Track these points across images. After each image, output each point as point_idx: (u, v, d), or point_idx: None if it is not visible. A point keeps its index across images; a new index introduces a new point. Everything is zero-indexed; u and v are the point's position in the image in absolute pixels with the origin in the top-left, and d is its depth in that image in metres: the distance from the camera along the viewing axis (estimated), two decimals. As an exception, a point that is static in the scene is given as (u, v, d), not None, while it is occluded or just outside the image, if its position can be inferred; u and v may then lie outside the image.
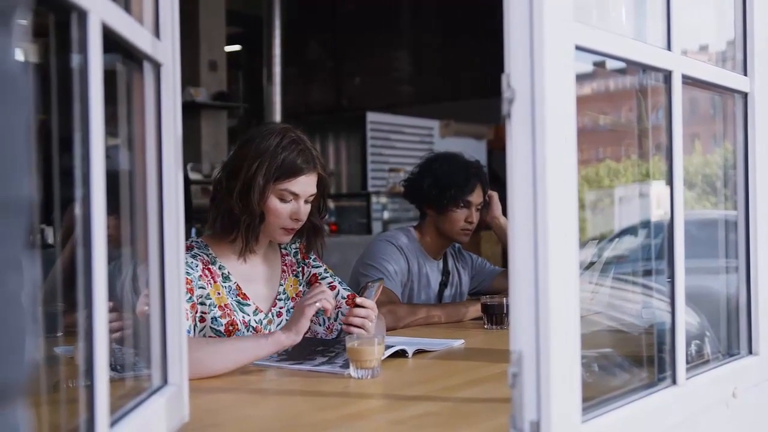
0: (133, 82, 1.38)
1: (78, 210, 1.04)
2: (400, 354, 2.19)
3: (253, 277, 2.36)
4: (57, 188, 1.11)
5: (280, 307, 2.40)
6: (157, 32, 1.40)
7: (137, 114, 1.40)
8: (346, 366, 1.97)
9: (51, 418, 1.24)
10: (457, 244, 3.28)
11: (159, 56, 1.39)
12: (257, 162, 2.22)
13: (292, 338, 2.03)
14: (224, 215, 2.28)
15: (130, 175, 1.41)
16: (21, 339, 0.63)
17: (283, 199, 2.25)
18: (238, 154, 2.29)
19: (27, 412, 0.66)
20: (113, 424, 1.13)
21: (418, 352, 2.26)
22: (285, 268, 2.45)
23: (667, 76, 1.58)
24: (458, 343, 2.44)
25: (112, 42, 1.15)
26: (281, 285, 2.42)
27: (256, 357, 2.03)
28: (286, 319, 2.36)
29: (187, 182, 5.42)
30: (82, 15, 1.02)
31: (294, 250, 2.49)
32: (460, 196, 3.07)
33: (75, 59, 1.05)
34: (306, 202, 2.29)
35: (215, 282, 2.26)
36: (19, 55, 0.65)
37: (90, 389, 1.04)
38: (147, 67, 1.38)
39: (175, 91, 1.44)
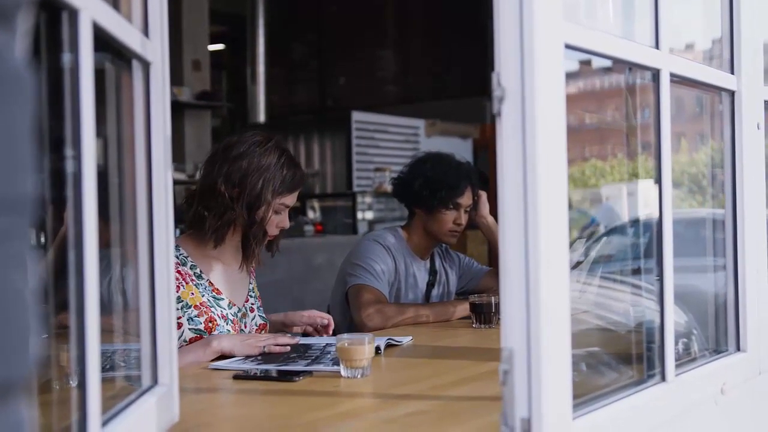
0: (121, 81, 1.37)
1: (68, 210, 1.04)
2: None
3: (226, 275, 2.45)
4: (45, 188, 1.10)
5: (252, 303, 2.52)
6: (146, 31, 1.39)
7: (126, 113, 1.39)
8: (336, 363, 1.97)
9: (41, 419, 1.23)
10: (444, 244, 3.28)
11: (148, 55, 1.38)
12: (262, 178, 2.33)
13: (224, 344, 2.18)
14: (225, 225, 2.35)
15: (118, 175, 1.40)
16: (26, 336, 0.64)
17: (277, 212, 2.39)
18: (235, 166, 2.34)
19: (30, 408, 0.66)
20: (104, 423, 1.12)
21: (389, 346, 2.32)
22: (252, 269, 2.57)
23: (656, 74, 1.59)
24: (407, 340, 2.45)
25: (101, 40, 1.14)
26: (251, 283, 2.55)
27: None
28: (259, 315, 2.52)
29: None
30: (73, 14, 1.02)
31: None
32: (451, 198, 3.06)
33: (65, 58, 1.04)
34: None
35: (187, 283, 2.33)
36: (21, 54, 0.65)
37: (82, 390, 1.03)
38: (136, 66, 1.38)
39: (164, 90, 1.43)
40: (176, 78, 7.69)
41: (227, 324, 2.36)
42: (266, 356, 2.16)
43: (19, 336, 0.63)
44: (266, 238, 2.41)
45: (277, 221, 2.40)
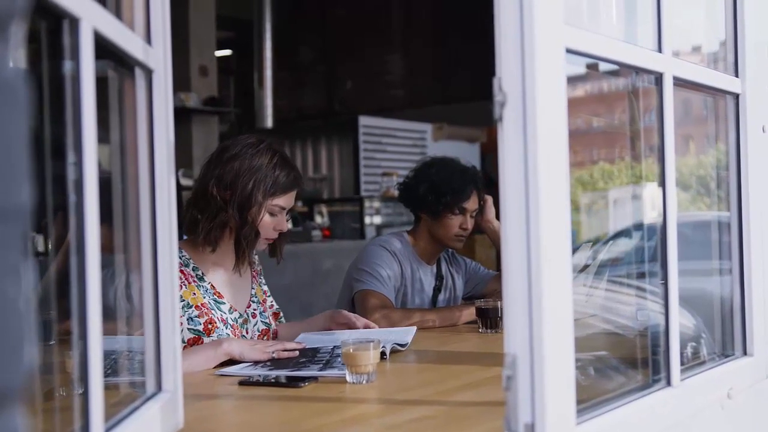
0: (124, 88, 1.38)
1: (71, 217, 1.04)
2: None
3: (227, 280, 2.45)
4: (49, 195, 1.10)
5: (254, 309, 2.51)
6: (148, 38, 1.40)
7: (129, 120, 1.40)
8: (343, 368, 1.97)
9: (45, 426, 1.24)
10: (450, 249, 3.27)
11: (150, 63, 1.39)
12: (253, 179, 2.33)
13: (233, 347, 2.17)
14: (218, 227, 2.35)
15: (122, 182, 1.40)
16: (20, 345, 0.64)
17: (272, 214, 2.39)
18: (227, 167, 2.35)
19: (25, 417, 0.66)
20: (108, 430, 1.12)
21: (394, 351, 2.31)
22: (254, 273, 2.58)
23: (659, 78, 1.58)
24: (410, 335, 2.47)
25: (103, 48, 1.14)
26: (253, 288, 2.54)
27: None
28: (261, 321, 2.51)
29: (179, 188, 5.46)
30: (74, 22, 1.02)
31: (257, 260, 2.63)
32: (456, 203, 3.06)
33: (67, 66, 1.04)
34: (287, 213, 2.45)
35: (189, 283, 2.34)
36: (17, 63, 0.65)
37: (85, 396, 1.04)
38: (138, 74, 1.38)
39: (167, 98, 1.44)
40: (183, 84, 7.70)
41: (226, 328, 2.35)
42: (275, 362, 2.16)
43: (14, 345, 0.63)
44: (258, 239, 2.39)
45: (274, 224, 2.39)
